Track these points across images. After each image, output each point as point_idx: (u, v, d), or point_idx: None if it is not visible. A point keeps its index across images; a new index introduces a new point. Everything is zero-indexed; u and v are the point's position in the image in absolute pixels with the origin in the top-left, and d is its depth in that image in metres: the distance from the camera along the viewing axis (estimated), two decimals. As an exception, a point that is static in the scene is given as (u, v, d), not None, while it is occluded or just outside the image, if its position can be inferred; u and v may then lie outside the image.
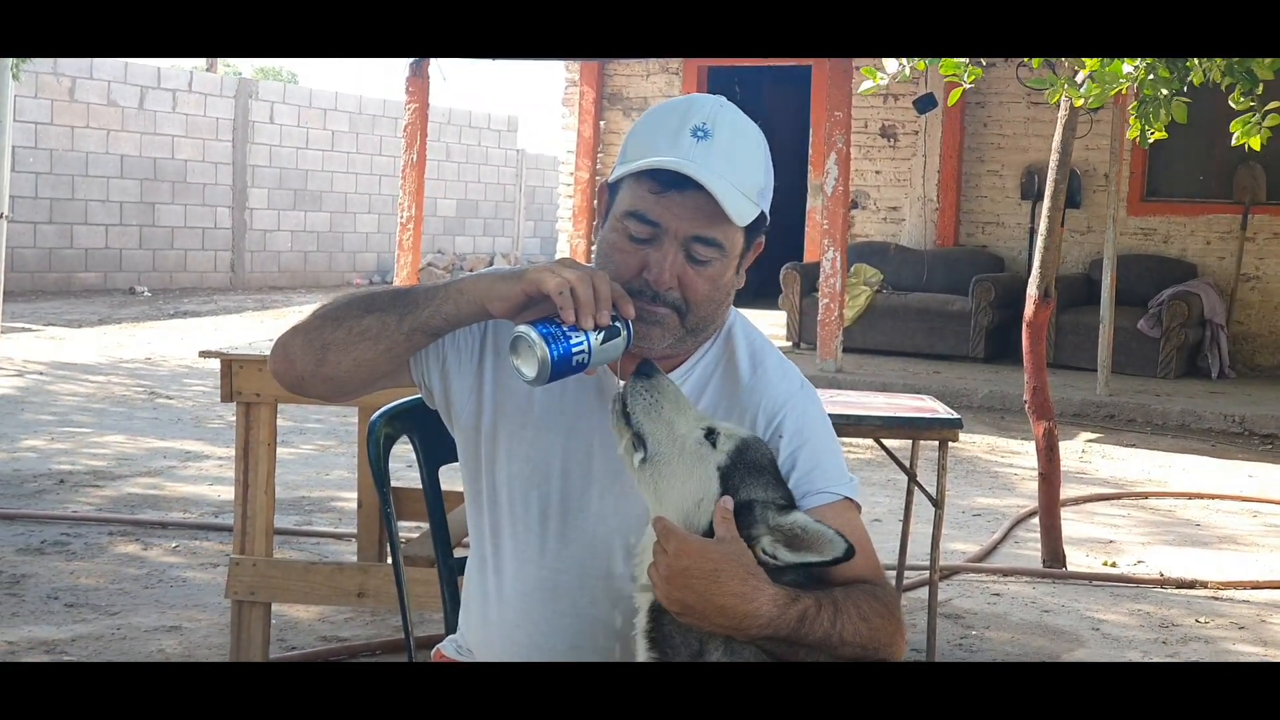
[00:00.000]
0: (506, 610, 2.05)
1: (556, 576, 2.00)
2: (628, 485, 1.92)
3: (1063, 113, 5.31)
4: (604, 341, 1.82)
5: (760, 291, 13.30)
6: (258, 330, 12.63)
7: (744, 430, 1.87)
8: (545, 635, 2.01)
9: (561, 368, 1.80)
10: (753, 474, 1.80)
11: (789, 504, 1.81)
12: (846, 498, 1.96)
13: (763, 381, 2.01)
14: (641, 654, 1.81)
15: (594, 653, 1.99)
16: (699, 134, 1.87)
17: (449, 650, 2.15)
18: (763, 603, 1.72)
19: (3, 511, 5.67)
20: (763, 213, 1.94)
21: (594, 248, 2.04)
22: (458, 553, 2.35)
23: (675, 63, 13.54)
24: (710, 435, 1.81)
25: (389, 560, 4.03)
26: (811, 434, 1.98)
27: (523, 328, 1.80)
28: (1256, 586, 5.39)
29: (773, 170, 1.98)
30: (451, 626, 2.23)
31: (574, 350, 1.80)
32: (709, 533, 1.76)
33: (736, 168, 1.88)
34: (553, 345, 1.79)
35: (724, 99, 1.95)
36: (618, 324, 1.84)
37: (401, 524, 4.08)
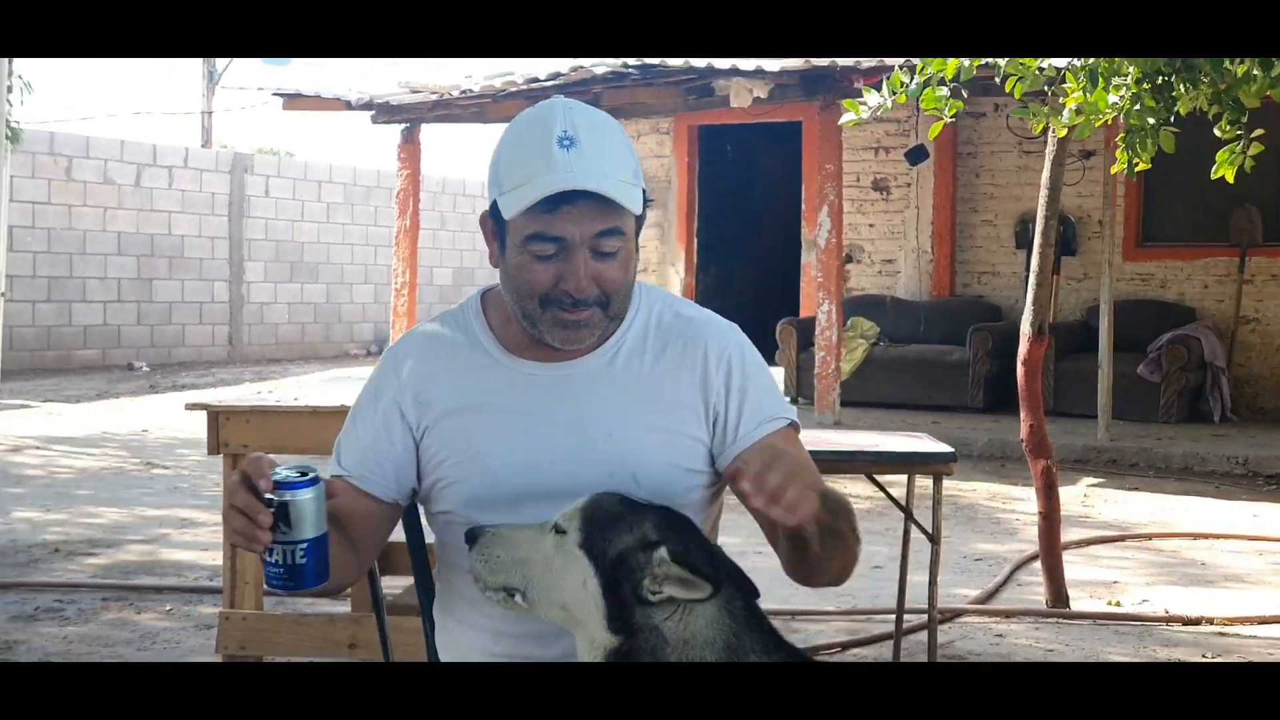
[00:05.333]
0: (475, 628, 2.08)
1: None
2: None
3: (1050, 147, 5.32)
4: (285, 542, 1.79)
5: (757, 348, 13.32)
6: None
7: (579, 500, 1.85)
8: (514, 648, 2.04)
9: (284, 584, 1.81)
10: (609, 528, 1.80)
11: (655, 540, 1.79)
12: (792, 422, 2.11)
13: (699, 322, 2.13)
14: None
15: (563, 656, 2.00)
16: (565, 143, 1.90)
17: None
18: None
19: (-6, 581, 5.65)
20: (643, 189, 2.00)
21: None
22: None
23: (666, 122, 13.61)
24: (557, 529, 1.82)
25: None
26: (755, 368, 2.11)
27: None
28: (1264, 622, 5.35)
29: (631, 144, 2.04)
30: (433, 654, 2.21)
31: (272, 571, 1.81)
32: (615, 610, 1.77)
33: (611, 161, 1.93)
34: (269, 580, 1.83)
35: (570, 100, 1.99)
36: (287, 498, 1.78)
37: (396, 579, 4.06)
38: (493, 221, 2.00)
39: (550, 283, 1.94)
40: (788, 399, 11.81)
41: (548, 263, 1.93)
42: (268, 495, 1.76)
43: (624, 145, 1.97)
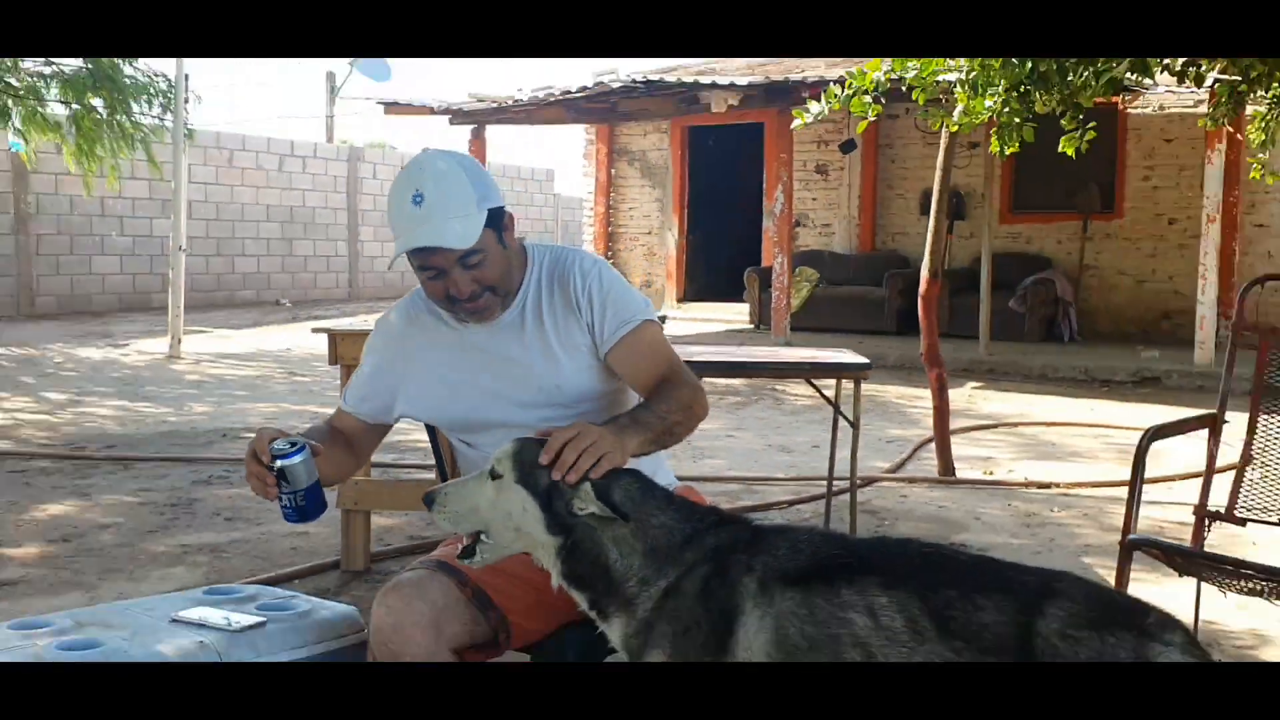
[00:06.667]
0: None
1: None
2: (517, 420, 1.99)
3: (944, 140, 5.26)
4: (287, 494, 1.87)
5: (729, 291, 13.29)
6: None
7: (506, 446, 1.80)
8: None
9: (295, 518, 1.89)
10: (537, 465, 1.74)
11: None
12: (648, 320, 2.04)
13: (566, 260, 2.09)
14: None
15: None
16: (416, 200, 1.91)
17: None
18: (629, 437, 1.81)
19: (182, 456, 5.70)
20: (490, 211, 1.95)
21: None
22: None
23: (665, 124, 13.49)
24: (494, 474, 1.77)
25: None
26: (609, 284, 2.05)
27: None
28: (1097, 485, 5.36)
29: (482, 173, 1.98)
30: None
31: (284, 511, 1.89)
32: (551, 520, 1.73)
33: (449, 206, 1.91)
34: (284, 516, 1.92)
35: (427, 153, 1.99)
36: (281, 465, 1.86)
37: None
38: None
39: (443, 292, 1.97)
40: (751, 326, 11.85)
41: (435, 281, 1.96)
42: (269, 464, 1.85)
43: (464, 184, 1.92)
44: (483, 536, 1.78)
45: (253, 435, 1.96)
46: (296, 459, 1.85)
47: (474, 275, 1.94)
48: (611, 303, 2.03)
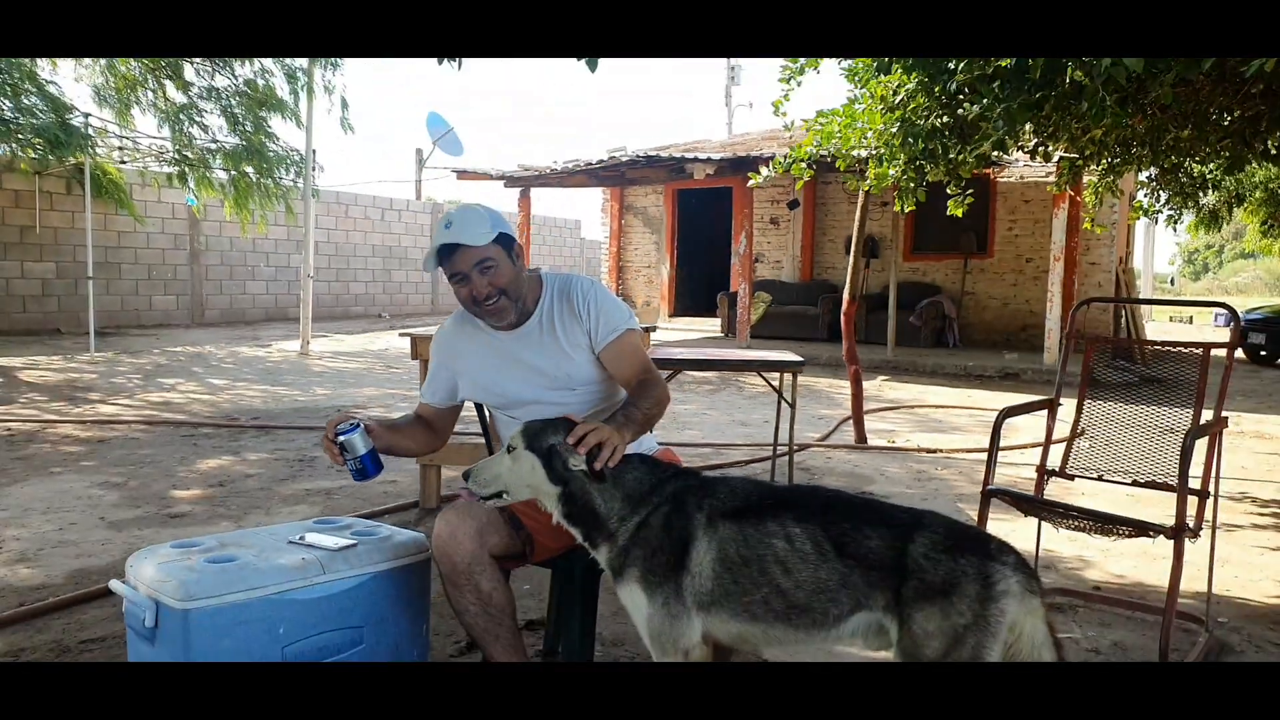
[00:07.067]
0: None
1: None
2: (536, 407, 1.97)
3: (861, 199, 5.23)
4: (349, 459, 1.88)
5: (706, 308, 13.22)
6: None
7: (515, 428, 1.80)
8: None
9: (358, 478, 1.91)
10: (539, 437, 1.74)
11: (571, 445, 1.71)
12: (630, 329, 1.98)
13: (571, 283, 2.05)
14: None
15: None
16: (446, 225, 1.92)
17: None
18: (626, 430, 1.75)
19: (307, 425, 5.67)
20: (500, 233, 1.92)
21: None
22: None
23: (661, 187, 13.45)
24: (509, 448, 1.76)
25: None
26: (601, 300, 2.00)
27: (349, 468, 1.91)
28: (969, 451, 5.32)
29: (497, 214, 1.95)
30: None
31: (350, 470, 1.90)
32: (552, 474, 1.71)
33: (467, 227, 1.91)
34: (352, 476, 1.91)
35: (461, 205, 1.99)
36: (341, 439, 1.87)
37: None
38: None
39: (469, 297, 1.93)
40: (722, 334, 11.83)
41: (461, 286, 1.93)
42: (334, 439, 1.88)
43: (482, 218, 1.92)
44: (504, 496, 1.78)
45: (359, 411, 1.96)
46: (352, 434, 1.88)
47: (489, 279, 1.91)
48: (604, 313, 1.99)
